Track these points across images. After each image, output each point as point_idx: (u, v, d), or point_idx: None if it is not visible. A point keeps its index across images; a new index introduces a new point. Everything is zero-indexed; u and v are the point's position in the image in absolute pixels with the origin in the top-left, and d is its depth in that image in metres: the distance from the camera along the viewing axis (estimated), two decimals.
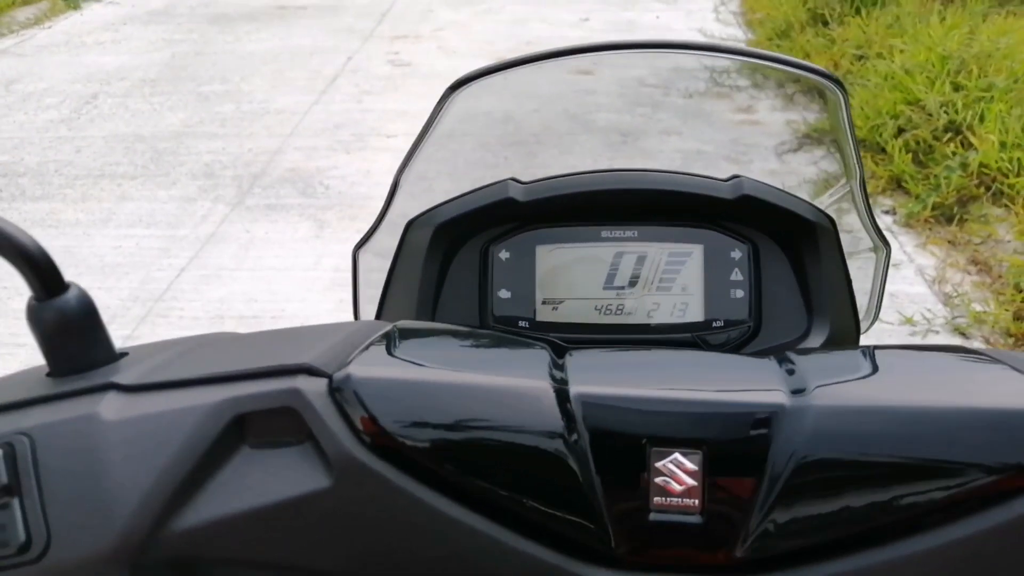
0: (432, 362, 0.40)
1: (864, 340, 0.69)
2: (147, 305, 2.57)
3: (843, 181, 0.72)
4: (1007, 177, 2.91)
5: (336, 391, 0.37)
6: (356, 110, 4.06)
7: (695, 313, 0.67)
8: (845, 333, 0.67)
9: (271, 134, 3.79)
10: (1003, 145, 2.99)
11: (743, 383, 0.39)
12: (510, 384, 0.38)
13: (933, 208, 2.91)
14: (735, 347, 0.66)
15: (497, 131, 3.69)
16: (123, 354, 0.42)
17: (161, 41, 5.22)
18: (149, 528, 0.35)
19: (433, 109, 0.66)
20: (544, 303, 0.67)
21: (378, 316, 0.70)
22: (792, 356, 0.41)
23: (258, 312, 2.52)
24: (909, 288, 2.60)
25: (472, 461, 0.36)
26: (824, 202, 0.70)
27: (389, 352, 0.40)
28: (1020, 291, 2.49)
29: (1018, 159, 2.93)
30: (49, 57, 4.99)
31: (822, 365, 0.41)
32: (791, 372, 0.40)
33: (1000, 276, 2.62)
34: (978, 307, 2.50)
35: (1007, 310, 2.45)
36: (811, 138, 3.35)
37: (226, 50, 5.02)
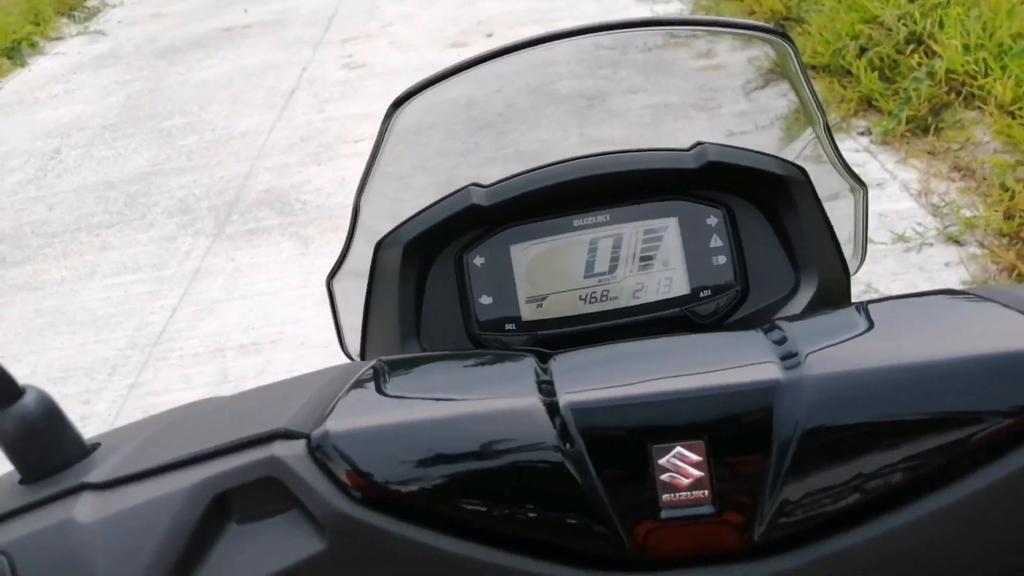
0: (415, 396, 0.39)
1: (855, 281, 0.69)
2: (146, 351, 2.56)
3: (808, 130, 0.71)
4: (975, 79, 2.90)
5: (316, 450, 0.36)
6: (319, 120, 4.02)
7: (681, 286, 0.66)
8: (834, 281, 0.66)
9: (239, 159, 3.76)
10: (966, 48, 2.97)
11: (734, 362, 0.38)
12: (497, 407, 0.37)
13: (908, 122, 2.90)
14: (725, 314, 0.65)
15: (462, 118, 3.65)
16: (95, 446, 0.41)
17: (114, 84, 5.16)
18: None
19: (379, 129, 0.64)
20: (528, 302, 0.66)
21: (362, 345, 0.69)
22: (781, 324, 0.40)
23: (256, 339, 2.51)
24: (896, 205, 2.60)
25: (469, 493, 0.36)
26: (792, 154, 0.69)
27: (368, 397, 0.39)
28: (1007, 190, 2.49)
29: (983, 60, 2.92)
30: (4, 119, 4.93)
31: (811, 330, 0.40)
32: (781, 342, 0.39)
33: (985, 178, 2.62)
34: (967, 212, 2.50)
35: (997, 211, 2.45)
36: (776, 72, 3.33)
37: (180, 82, 4.96)
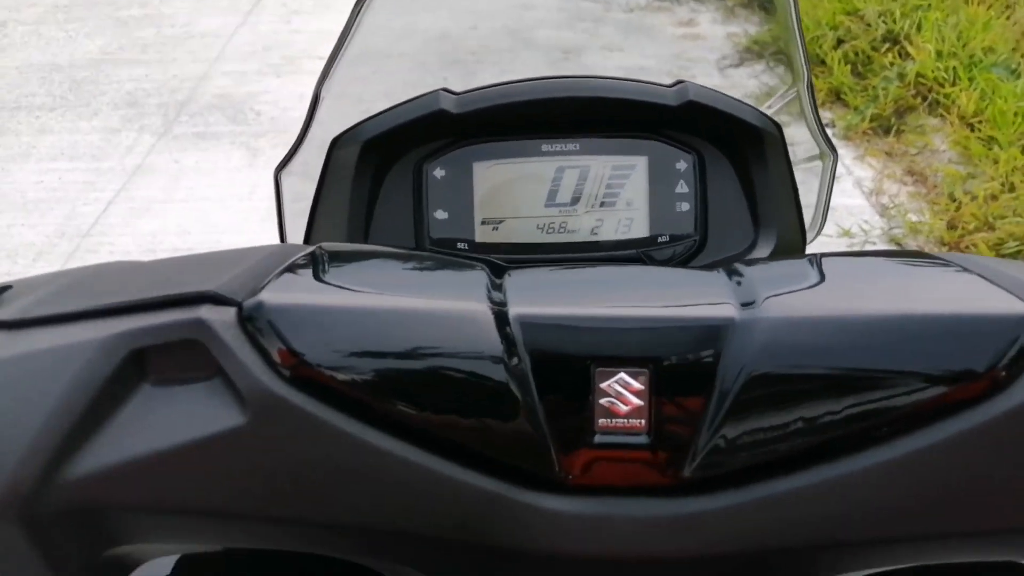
0: (358, 286, 0.37)
1: (809, 250, 0.68)
2: (75, 241, 2.47)
3: (790, 86, 0.69)
4: (943, 87, 2.94)
5: (247, 320, 0.34)
6: (285, 31, 3.88)
7: (640, 229, 0.64)
8: (791, 244, 0.66)
9: (196, 59, 3.61)
10: (939, 54, 3.00)
11: (690, 297, 0.37)
12: (444, 307, 0.35)
13: (871, 120, 2.93)
14: (681, 262, 0.65)
15: (433, 48, 3.56)
16: (5, 287, 0.38)
17: None
18: (40, 476, 0.32)
19: (351, 12, 0.61)
20: (484, 223, 0.64)
21: (306, 242, 0.66)
22: (740, 267, 0.39)
23: (193, 244, 2.44)
24: (848, 200, 2.63)
25: (403, 389, 0.34)
26: (771, 108, 0.68)
27: (309, 277, 0.37)
28: (954, 200, 2.54)
29: (953, 68, 2.95)
30: None
31: (772, 275, 0.39)
32: (740, 284, 0.38)
33: (935, 186, 2.67)
34: (914, 217, 2.54)
35: (941, 220, 2.50)
36: (752, 52, 3.32)
37: None
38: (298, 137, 0.65)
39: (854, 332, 0.34)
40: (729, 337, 0.34)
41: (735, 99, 0.64)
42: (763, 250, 0.64)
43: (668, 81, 0.64)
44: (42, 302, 0.36)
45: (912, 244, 2.46)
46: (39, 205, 2.64)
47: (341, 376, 0.33)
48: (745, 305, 0.36)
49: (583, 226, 0.64)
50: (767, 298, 0.36)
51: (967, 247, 2.39)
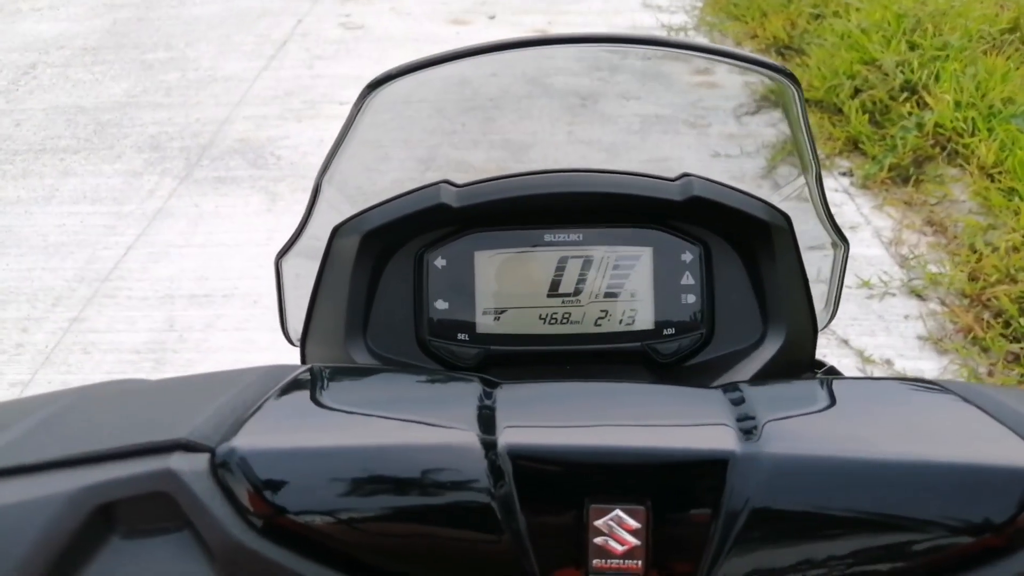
0: (343, 411, 0.36)
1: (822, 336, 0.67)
2: (93, 286, 2.49)
3: (799, 177, 0.69)
4: (961, 137, 2.92)
5: (220, 467, 0.32)
6: (307, 76, 3.94)
7: (645, 321, 0.63)
8: (802, 336, 0.65)
9: (219, 103, 3.67)
10: (958, 104, 2.99)
11: (690, 425, 0.36)
12: (428, 440, 0.34)
13: (889, 169, 2.92)
14: (687, 355, 0.63)
15: (454, 95, 3.61)
16: None
17: (102, 6, 5.01)
18: None
19: (351, 109, 0.61)
20: (485, 313, 0.63)
21: (304, 333, 0.65)
22: (743, 388, 0.38)
23: (209, 291, 2.45)
24: (866, 251, 2.61)
25: (385, 532, 0.32)
26: (778, 198, 0.67)
27: (288, 410, 0.36)
28: (975, 251, 2.51)
29: (972, 119, 2.94)
30: None
31: (774, 399, 0.38)
32: (742, 410, 0.37)
33: (955, 237, 2.64)
34: (934, 268, 2.52)
35: (962, 271, 2.47)
36: (768, 100, 3.32)
37: (170, 15, 4.83)
38: (299, 226, 0.65)
39: (862, 474, 0.33)
40: (730, 473, 0.33)
41: (741, 191, 0.63)
42: (772, 344, 0.63)
43: (672, 174, 0.64)
44: (11, 447, 0.35)
45: (932, 295, 2.43)
46: (60, 249, 2.66)
47: (316, 521, 0.32)
48: (747, 434, 0.35)
49: (587, 317, 0.63)
50: (771, 428, 0.35)
51: (989, 299, 2.35)
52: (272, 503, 0.32)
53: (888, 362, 2.18)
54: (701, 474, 0.33)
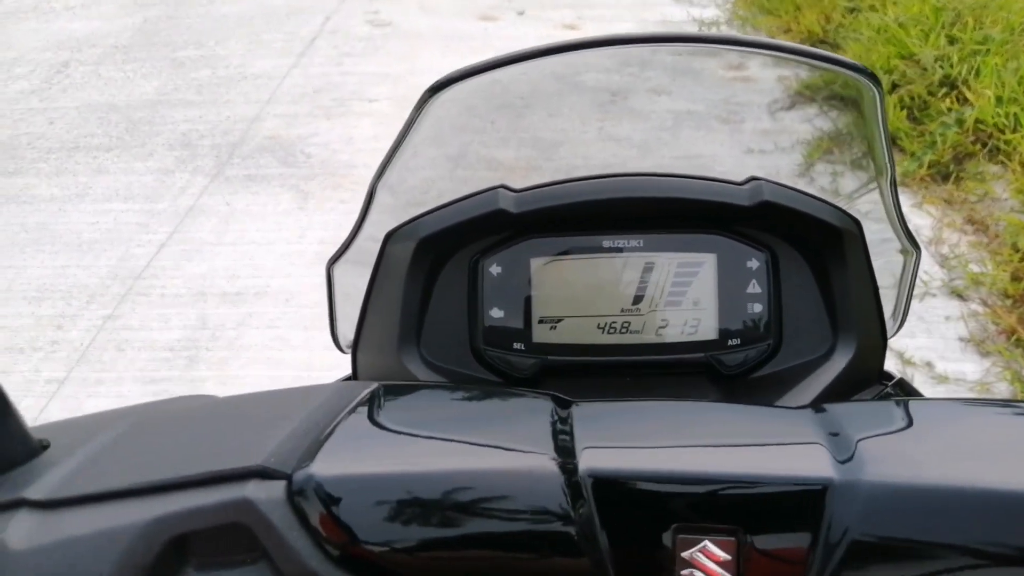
0: (417, 434, 0.34)
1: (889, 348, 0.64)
2: (127, 283, 2.50)
3: (871, 180, 0.66)
4: (1003, 133, 2.86)
5: (296, 495, 0.31)
6: (336, 73, 3.94)
7: (708, 330, 0.61)
8: (872, 347, 0.62)
9: (249, 100, 3.68)
10: (999, 100, 2.93)
11: (782, 449, 0.33)
12: (505, 465, 0.32)
13: (929, 166, 2.86)
14: (753, 367, 0.61)
15: (483, 93, 3.58)
16: (43, 446, 0.35)
17: (133, 5, 5.05)
18: None
19: (411, 113, 0.59)
20: (541, 322, 0.61)
21: (356, 341, 0.64)
22: (834, 410, 0.36)
23: (241, 289, 2.46)
24: None
25: (464, 562, 0.31)
26: (848, 202, 0.64)
27: (362, 431, 0.34)
28: (1017, 251, 2.46)
29: (1015, 114, 2.87)
30: (16, 24, 4.81)
31: (870, 422, 0.36)
32: (834, 434, 0.34)
33: (997, 235, 2.58)
34: (975, 268, 2.46)
35: (1004, 271, 2.41)
36: (803, 95, 3.27)
37: (200, 13, 4.86)
38: (352, 231, 0.63)
39: (968, 502, 0.31)
40: (827, 502, 0.31)
41: (811, 195, 0.60)
42: (843, 355, 0.60)
43: (739, 178, 0.61)
44: (77, 474, 0.33)
45: (974, 295, 2.38)
46: (93, 246, 2.68)
47: (397, 552, 0.31)
48: (843, 460, 0.32)
49: (648, 326, 0.61)
50: (867, 453, 0.33)
51: None
52: (349, 532, 0.31)
53: (929, 364, 2.13)
54: (797, 502, 0.31)
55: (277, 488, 0.31)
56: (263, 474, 0.32)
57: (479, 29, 4.39)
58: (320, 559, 0.30)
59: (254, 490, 0.31)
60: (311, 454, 0.32)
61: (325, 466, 0.32)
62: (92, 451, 0.35)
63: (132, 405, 0.39)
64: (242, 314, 2.36)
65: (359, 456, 0.33)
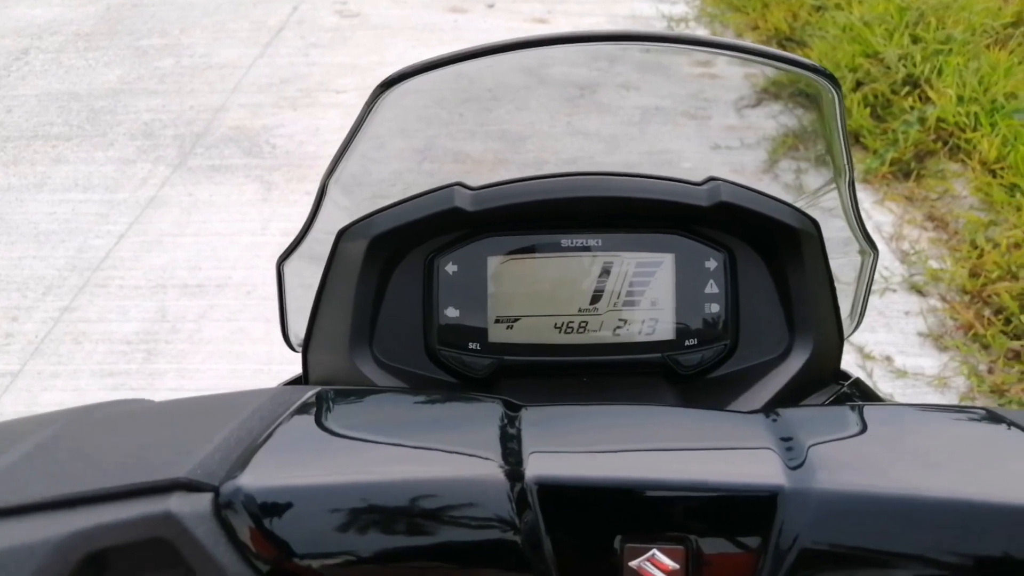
0: (357, 439, 0.33)
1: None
2: (85, 275, 2.45)
3: (829, 181, 0.66)
4: (964, 132, 2.90)
5: (224, 508, 0.29)
6: (303, 64, 3.90)
7: (666, 330, 0.60)
8: (828, 347, 0.62)
9: (213, 90, 3.62)
10: (960, 99, 2.97)
11: (732, 455, 0.33)
12: (448, 472, 0.31)
13: (891, 164, 2.89)
14: (709, 367, 0.60)
15: (450, 85, 3.56)
16: None
17: None
18: None
19: (362, 109, 0.58)
20: (497, 321, 0.60)
21: (306, 340, 0.62)
22: (787, 415, 0.35)
23: (202, 280, 2.42)
24: None
25: (403, 573, 0.30)
26: (806, 202, 0.64)
27: (299, 440, 0.33)
28: (976, 248, 2.49)
29: (975, 113, 2.91)
30: None
31: (822, 428, 0.35)
32: (786, 440, 0.34)
33: (956, 233, 2.62)
34: (935, 264, 2.50)
35: (963, 267, 2.45)
36: (769, 92, 3.30)
37: (164, 1, 4.78)
38: (303, 228, 0.62)
39: (921, 511, 0.31)
40: (779, 509, 0.30)
41: (769, 196, 0.60)
42: (799, 356, 0.60)
43: (698, 178, 0.60)
44: None
45: (933, 291, 2.41)
46: (51, 237, 2.63)
47: (333, 567, 0.29)
48: (795, 466, 0.32)
49: (605, 326, 0.60)
50: (819, 460, 0.32)
51: (990, 296, 2.33)
52: (281, 546, 0.29)
53: (888, 359, 2.16)
54: (747, 510, 0.31)
55: (203, 501, 0.30)
56: (187, 486, 0.30)
57: (449, 21, 4.37)
58: (249, 574, 0.29)
59: (177, 503, 0.30)
60: (242, 464, 0.31)
61: (256, 477, 0.30)
62: (7, 461, 0.33)
63: (58, 410, 0.37)
64: (203, 306, 2.33)
65: (293, 465, 0.32)
